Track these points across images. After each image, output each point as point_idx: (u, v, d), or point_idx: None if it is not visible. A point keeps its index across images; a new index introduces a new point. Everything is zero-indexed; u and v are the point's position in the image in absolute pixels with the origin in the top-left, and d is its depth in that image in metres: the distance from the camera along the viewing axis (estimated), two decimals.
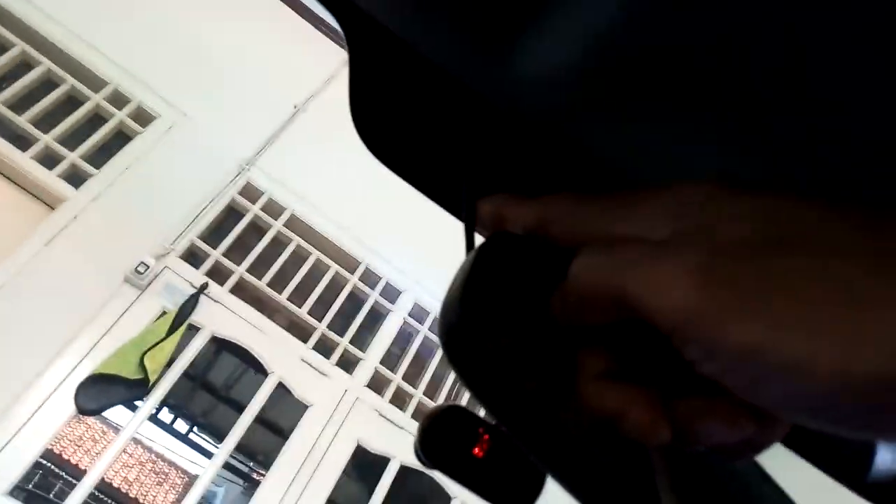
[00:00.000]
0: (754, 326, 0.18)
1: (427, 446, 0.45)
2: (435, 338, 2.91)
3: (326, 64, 3.16)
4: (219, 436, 6.09)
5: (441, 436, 0.45)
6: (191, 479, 9.94)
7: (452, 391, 2.89)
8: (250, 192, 2.77)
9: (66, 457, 8.19)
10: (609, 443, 0.28)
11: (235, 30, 3.03)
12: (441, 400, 2.80)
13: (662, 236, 0.22)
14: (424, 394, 2.77)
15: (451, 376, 2.87)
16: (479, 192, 0.36)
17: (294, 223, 2.82)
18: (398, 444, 2.63)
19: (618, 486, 0.30)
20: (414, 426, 2.68)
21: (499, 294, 0.30)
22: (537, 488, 0.42)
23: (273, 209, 2.80)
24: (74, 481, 7.16)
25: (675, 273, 0.20)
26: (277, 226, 2.76)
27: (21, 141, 2.45)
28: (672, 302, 0.19)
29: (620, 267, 0.21)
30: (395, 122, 0.42)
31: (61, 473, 7.10)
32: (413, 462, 2.64)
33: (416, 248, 3.03)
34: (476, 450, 0.42)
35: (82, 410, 2.15)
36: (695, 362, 0.20)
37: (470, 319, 0.30)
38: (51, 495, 6.24)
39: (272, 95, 2.98)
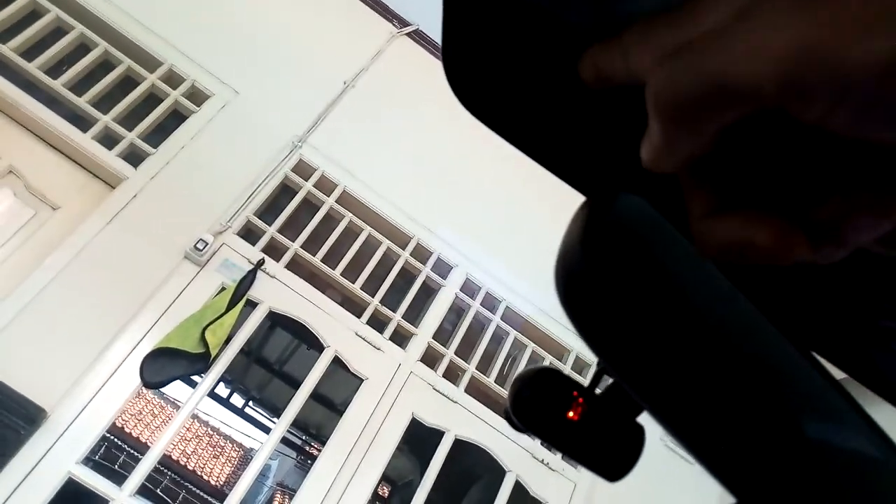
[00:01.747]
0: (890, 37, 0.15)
1: (520, 409, 0.43)
2: (486, 312, 2.89)
3: (375, 39, 3.14)
4: (273, 410, 6.25)
5: (534, 398, 0.43)
6: (246, 453, 10.27)
7: (504, 366, 2.88)
8: (303, 169, 2.79)
9: (127, 430, 8.54)
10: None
11: (285, 7, 3.03)
12: (493, 375, 2.79)
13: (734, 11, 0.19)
14: (477, 368, 2.77)
15: (504, 352, 2.86)
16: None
17: (346, 199, 2.83)
18: (452, 417, 2.64)
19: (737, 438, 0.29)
20: (467, 400, 2.69)
21: (618, 241, 0.30)
22: (635, 454, 0.40)
23: (325, 185, 2.81)
24: (136, 454, 7.46)
25: (770, 19, 0.17)
26: (330, 202, 2.78)
27: (81, 122, 2.51)
28: (782, 44, 0.17)
29: (703, 51, 0.19)
30: (494, 73, 0.40)
31: (124, 446, 7.41)
32: (466, 435, 2.65)
33: (466, 224, 3.02)
34: (570, 413, 0.41)
35: (147, 384, 2.22)
36: (824, 118, 0.17)
37: (592, 265, 0.30)
38: (115, 466, 6.52)
39: (322, 72, 2.99)
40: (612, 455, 0.41)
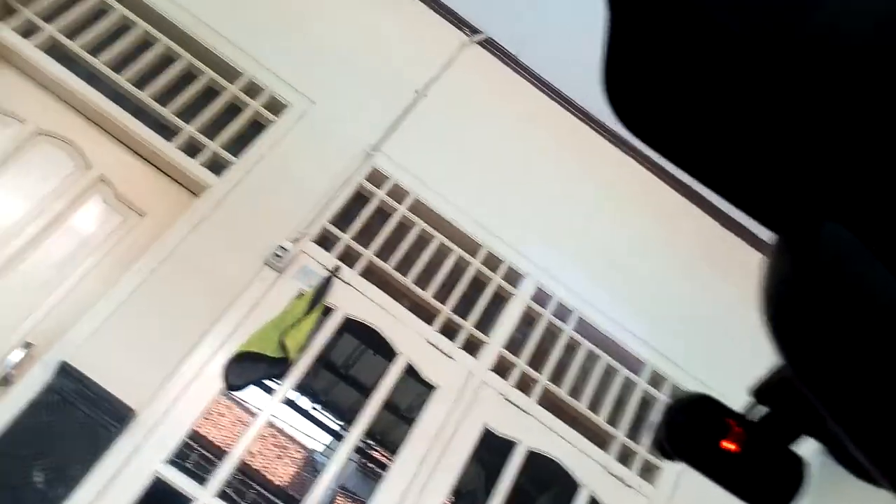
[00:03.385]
0: None
1: (673, 436, 0.43)
2: (559, 323, 2.85)
3: (446, 47, 3.15)
4: (338, 412, 6.35)
5: (688, 426, 0.42)
6: (308, 454, 10.46)
7: (578, 379, 2.82)
8: (376, 178, 2.82)
9: (195, 428, 8.78)
10: None
11: (357, 17, 3.07)
12: (566, 387, 2.74)
13: None
14: (549, 380, 2.73)
15: (576, 363, 2.81)
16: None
17: (418, 208, 2.84)
18: (524, 428, 2.61)
19: None
20: (538, 411, 2.65)
21: (831, 277, 0.30)
22: (795, 486, 0.39)
23: (398, 194, 2.83)
24: (206, 453, 7.70)
25: None
26: (402, 210, 2.79)
27: (166, 131, 2.60)
28: None
29: None
30: (660, 93, 0.38)
31: (194, 445, 7.66)
32: (538, 447, 2.61)
33: (537, 232, 2.98)
34: (726, 442, 0.40)
35: (231, 386, 2.28)
36: None
37: (811, 303, 0.30)
38: (188, 464, 6.76)
39: (394, 81, 3.01)
40: (772, 487, 0.40)
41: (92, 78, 2.61)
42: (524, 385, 2.72)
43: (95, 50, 2.63)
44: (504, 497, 2.48)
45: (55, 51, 2.59)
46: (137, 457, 2.11)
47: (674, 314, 3.02)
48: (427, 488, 2.40)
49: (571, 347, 2.85)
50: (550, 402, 2.73)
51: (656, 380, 2.89)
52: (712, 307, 3.06)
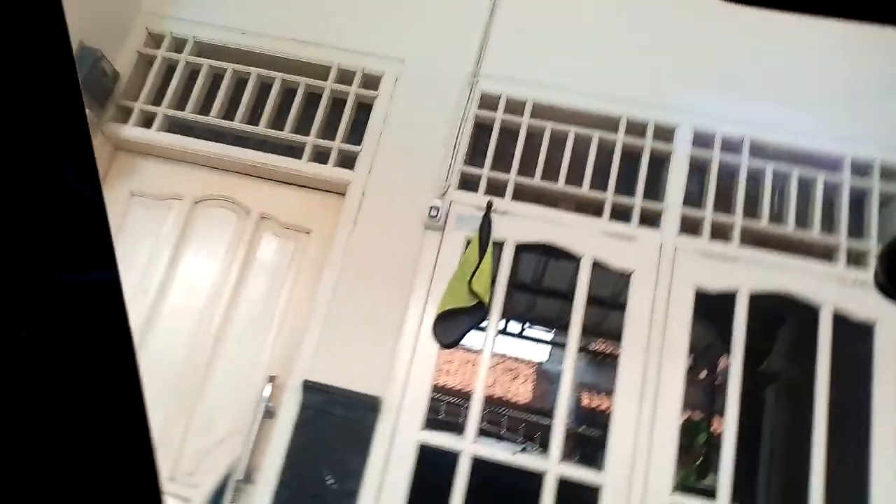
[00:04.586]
0: None
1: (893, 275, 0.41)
2: (731, 157, 2.65)
3: None
4: (549, 323, 6.52)
5: None
6: (538, 366, 10.91)
7: (773, 204, 2.62)
8: (489, 102, 2.77)
9: (434, 385, 9.50)
10: None
11: None
12: (764, 217, 2.57)
13: None
14: (745, 215, 2.57)
15: (766, 188, 2.61)
16: None
17: (540, 110, 2.76)
18: (736, 275, 2.50)
19: None
20: (745, 253, 2.52)
21: None
22: None
23: (515, 107, 2.76)
24: (451, 399, 8.33)
25: None
26: (526, 120, 2.73)
27: (293, 150, 2.75)
28: None
29: None
30: None
31: (439, 398, 8.31)
32: (759, 288, 2.49)
33: (670, 77, 2.76)
34: None
35: (444, 345, 2.43)
36: None
37: None
38: (440, 417, 7.37)
39: (463, 1, 2.91)
40: None
41: (215, 134, 2.82)
42: (721, 233, 2.59)
43: (204, 109, 2.83)
44: (742, 347, 2.41)
45: (175, 125, 2.82)
46: (398, 434, 2.34)
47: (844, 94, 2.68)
48: (662, 365, 2.40)
49: (754, 177, 2.65)
50: (755, 239, 2.58)
51: (861, 168, 2.61)
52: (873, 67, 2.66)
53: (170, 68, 2.91)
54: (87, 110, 2.61)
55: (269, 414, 2.41)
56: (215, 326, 2.60)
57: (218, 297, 2.64)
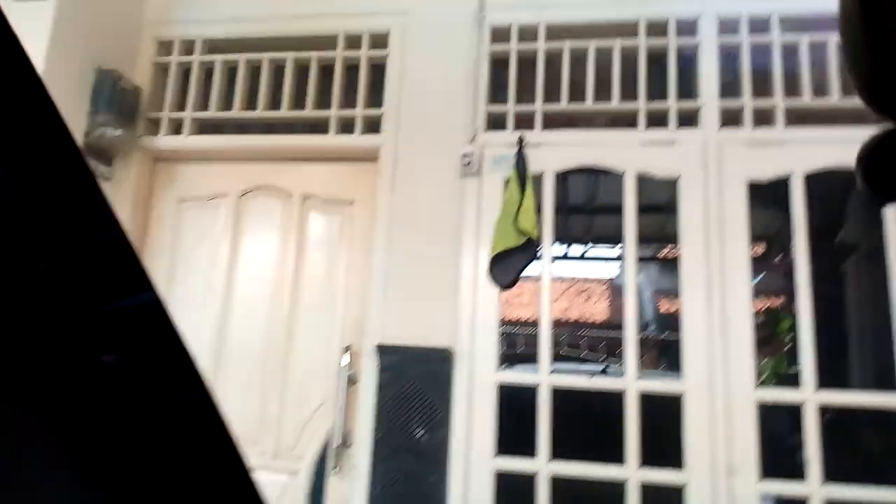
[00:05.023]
0: None
1: (873, 175, 0.41)
2: (763, 38, 2.52)
3: None
4: (610, 241, 6.45)
5: (890, 161, 0.40)
6: (609, 283, 10.85)
7: (813, 77, 2.49)
8: (501, 34, 2.71)
9: (505, 319, 9.66)
10: None
11: None
12: (806, 93, 2.44)
13: None
14: (786, 95, 2.45)
15: (803, 63, 2.48)
16: None
17: (554, 32, 2.68)
18: (790, 159, 2.41)
19: None
20: (792, 135, 2.42)
21: None
22: None
23: (529, 33, 2.69)
24: (526, 330, 8.43)
25: None
26: (541, 45, 2.66)
27: (319, 126, 2.78)
28: None
29: None
30: None
31: (513, 332, 8.41)
32: (814, 167, 2.39)
33: None
34: None
35: (502, 287, 2.46)
36: None
37: None
38: (517, 350, 7.47)
39: None
40: None
41: (241, 127, 2.88)
42: (764, 119, 2.48)
43: (227, 104, 2.88)
44: (805, 230, 2.34)
45: (204, 126, 2.89)
46: (475, 379, 2.42)
47: None
48: (725, 261, 2.36)
49: (789, 53, 2.51)
50: (800, 117, 2.46)
51: None
52: None
53: (186, 71, 2.96)
54: (119, 131, 2.70)
55: (352, 381, 2.52)
56: (286, 308, 2.71)
57: (282, 281, 2.75)
